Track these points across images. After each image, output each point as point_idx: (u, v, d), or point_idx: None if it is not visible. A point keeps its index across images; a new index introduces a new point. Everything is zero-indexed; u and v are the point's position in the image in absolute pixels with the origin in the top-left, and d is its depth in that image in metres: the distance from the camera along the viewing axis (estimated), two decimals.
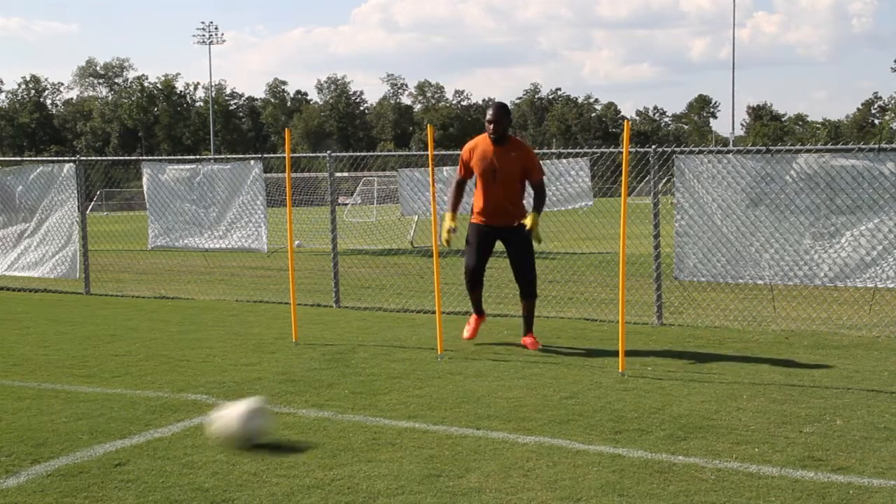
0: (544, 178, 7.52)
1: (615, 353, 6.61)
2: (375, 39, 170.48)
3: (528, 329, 7.46)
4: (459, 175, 7.49)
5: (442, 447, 4.60)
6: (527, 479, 4.13)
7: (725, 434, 4.81)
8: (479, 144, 7.31)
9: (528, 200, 7.45)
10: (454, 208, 7.41)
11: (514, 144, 7.28)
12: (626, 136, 6.48)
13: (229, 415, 4.61)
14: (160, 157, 11.70)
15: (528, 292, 7.42)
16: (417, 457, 4.44)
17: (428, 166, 7.96)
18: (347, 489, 4.01)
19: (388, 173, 31.17)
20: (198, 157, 13.69)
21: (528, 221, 7.11)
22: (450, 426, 4.99)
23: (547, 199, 7.82)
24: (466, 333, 7.63)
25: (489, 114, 7.19)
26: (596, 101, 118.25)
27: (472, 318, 7.72)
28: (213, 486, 4.04)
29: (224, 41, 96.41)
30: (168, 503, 3.87)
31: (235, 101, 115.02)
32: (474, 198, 7.44)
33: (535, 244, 7.36)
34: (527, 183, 7.32)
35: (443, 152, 10.90)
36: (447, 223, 7.33)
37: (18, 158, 23.51)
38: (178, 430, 4.95)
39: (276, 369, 6.56)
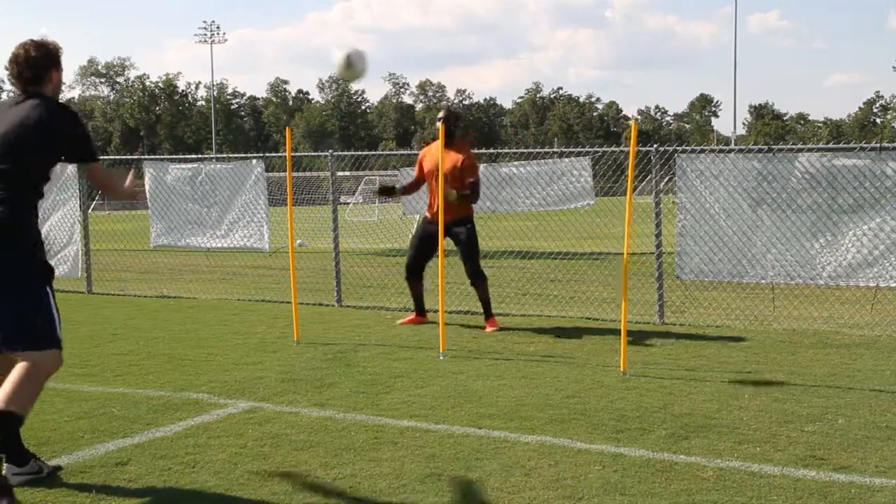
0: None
1: (617, 353, 6.61)
2: (375, 38, 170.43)
3: (488, 314, 8.25)
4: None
5: (443, 446, 4.60)
6: (528, 478, 4.13)
7: (727, 433, 4.81)
8: (431, 148, 8.28)
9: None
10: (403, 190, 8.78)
11: (458, 147, 8.15)
12: (633, 137, 6.48)
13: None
14: (162, 157, 11.69)
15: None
16: (419, 456, 4.44)
17: None
18: (349, 488, 4.01)
19: (389, 172, 31.16)
20: (200, 156, 13.70)
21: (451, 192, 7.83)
22: (451, 425, 4.99)
23: (549, 197, 8.63)
24: (400, 321, 8.55)
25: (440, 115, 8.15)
26: (598, 100, 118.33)
27: (414, 314, 8.57)
28: (215, 485, 4.05)
29: (226, 40, 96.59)
30: (170, 502, 3.88)
31: (237, 100, 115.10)
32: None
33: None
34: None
35: None
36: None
37: None
38: (179, 430, 4.95)
39: (277, 368, 6.56)
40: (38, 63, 4.11)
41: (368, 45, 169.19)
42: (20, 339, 3.99)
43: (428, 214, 8.31)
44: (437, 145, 7.62)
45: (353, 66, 6.54)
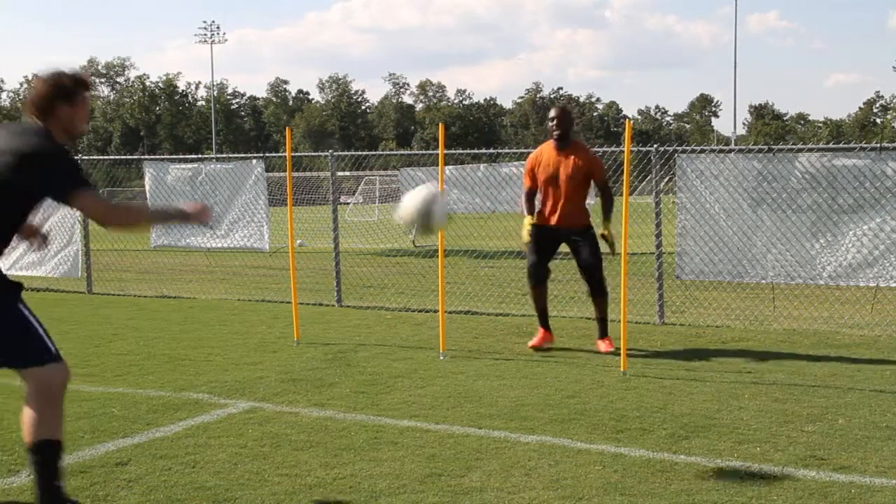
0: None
1: (617, 352, 6.61)
2: (375, 37, 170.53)
3: (603, 332, 7.24)
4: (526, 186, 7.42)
5: (443, 446, 4.60)
6: (528, 478, 4.13)
7: (727, 433, 4.81)
8: (544, 151, 7.31)
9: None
10: (531, 212, 7.34)
11: (575, 147, 7.25)
12: (627, 134, 6.47)
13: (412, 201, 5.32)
14: (162, 157, 11.70)
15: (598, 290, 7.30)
16: (419, 456, 4.44)
17: (428, 165, 8.02)
18: (349, 488, 4.01)
19: (389, 172, 31.22)
20: (200, 156, 13.70)
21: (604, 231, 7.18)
22: (451, 425, 4.99)
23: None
24: (531, 342, 7.33)
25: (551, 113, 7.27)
26: (598, 100, 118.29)
27: (540, 331, 7.37)
28: (215, 485, 4.05)
29: (226, 40, 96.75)
30: (170, 502, 3.88)
31: (237, 100, 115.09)
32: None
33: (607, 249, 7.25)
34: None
35: (446, 151, 10.88)
36: (527, 223, 7.25)
37: None
38: (179, 430, 4.95)
39: (277, 368, 6.56)
40: (44, 96, 3.88)
41: (368, 45, 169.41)
42: (16, 361, 3.84)
43: (536, 220, 7.30)
44: (549, 148, 7.20)
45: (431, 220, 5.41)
